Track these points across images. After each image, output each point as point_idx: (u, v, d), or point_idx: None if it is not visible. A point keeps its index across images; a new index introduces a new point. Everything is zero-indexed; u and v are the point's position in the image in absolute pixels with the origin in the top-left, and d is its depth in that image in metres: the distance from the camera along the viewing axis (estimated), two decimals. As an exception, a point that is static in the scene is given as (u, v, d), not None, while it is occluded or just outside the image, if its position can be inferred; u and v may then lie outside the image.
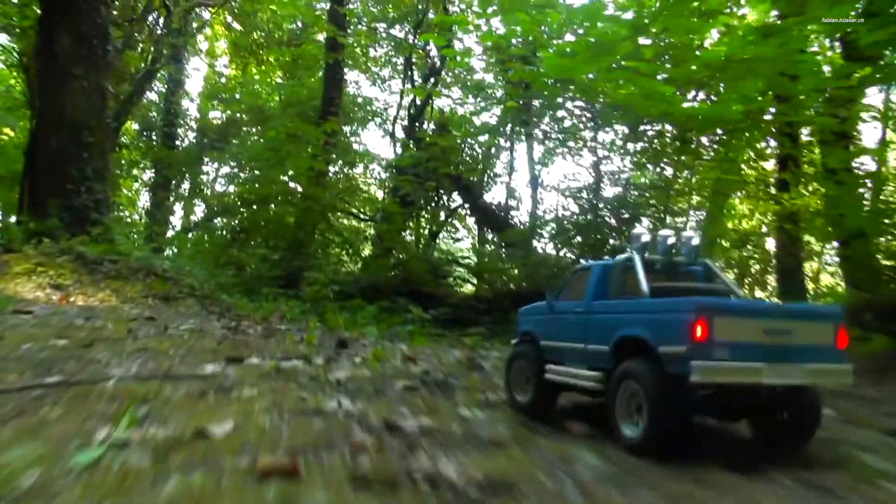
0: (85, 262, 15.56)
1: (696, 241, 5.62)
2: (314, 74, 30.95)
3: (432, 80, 28.94)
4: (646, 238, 5.56)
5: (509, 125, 24.89)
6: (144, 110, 33.58)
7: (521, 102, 21.15)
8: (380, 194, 29.48)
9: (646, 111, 14.75)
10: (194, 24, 32.82)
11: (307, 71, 31.51)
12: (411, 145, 25.33)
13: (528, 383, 6.13)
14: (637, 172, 19.12)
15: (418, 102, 27.32)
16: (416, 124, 28.16)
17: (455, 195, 28.27)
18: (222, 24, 35.04)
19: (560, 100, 19.06)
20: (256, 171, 21.74)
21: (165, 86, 32.41)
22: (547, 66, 13.47)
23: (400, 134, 28.82)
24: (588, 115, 20.16)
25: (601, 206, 20.09)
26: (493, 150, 26.98)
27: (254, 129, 30.47)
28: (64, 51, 19.18)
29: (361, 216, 29.14)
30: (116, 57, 23.06)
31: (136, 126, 33.47)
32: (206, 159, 32.34)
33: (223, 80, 36.07)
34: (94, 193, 18.61)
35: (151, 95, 34.24)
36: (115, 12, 23.16)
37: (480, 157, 27.52)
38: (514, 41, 17.09)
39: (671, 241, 5.57)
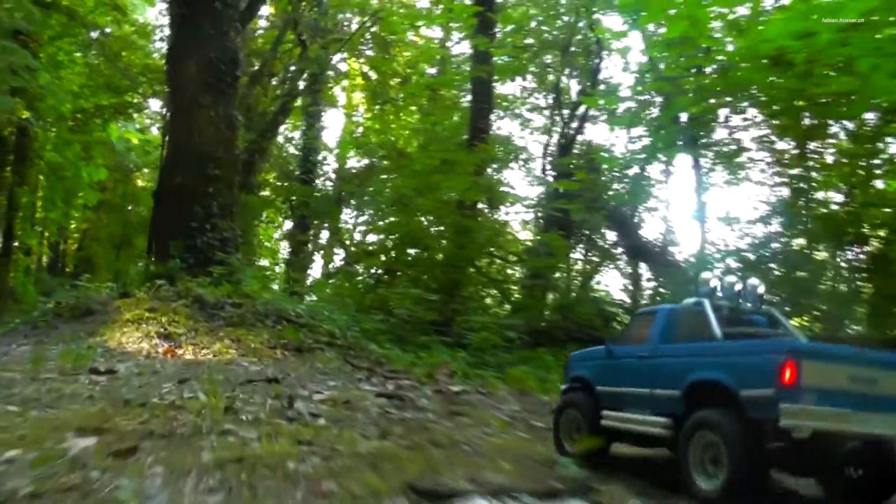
0: (203, 306, 11.70)
1: (761, 289, 5.13)
2: (453, 115, 27.19)
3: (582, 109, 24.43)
4: (714, 283, 5.03)
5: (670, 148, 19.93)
6: (282, 162, 30.60)
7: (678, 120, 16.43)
8: (522, 235, 25.11)
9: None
10: (330, 73, 29.68)
11: (446, 111, 27.69)
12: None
13: (579, 431, 5.39)
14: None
15: (570, 131, 22.72)
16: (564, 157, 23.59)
17: (607, 232, 23.44)
18: (359, 73, 32.04)
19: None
20: (403, 205, 17.49)
21: (302, 131, 29.30)
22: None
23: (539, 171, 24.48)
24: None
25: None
26: (647, 178, 21.93)
27: (393, 175, 26.81)
28: (191, 79, 15.89)
29: (508, 258, 24.57)
30: (249, 89, 19.67)
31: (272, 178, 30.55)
32: (344, 209, 28.91)
33: (360, 129, 32.73)
34: (219, 231, 14.89)
35: (288, 147, 31.54)
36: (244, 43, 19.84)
37: (632, 189, 22.45)
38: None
39: (738, 287, 5.05)
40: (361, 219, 28.55)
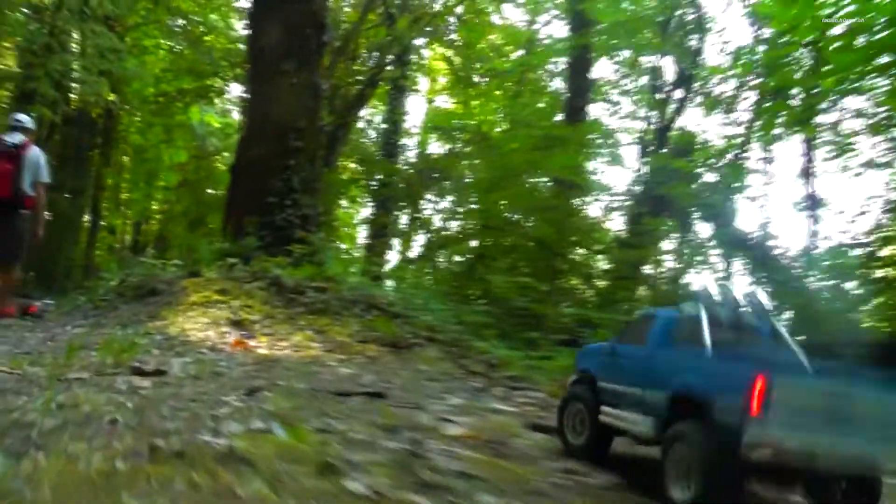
0: (281, 289, 9.48)
1: (763, 299, 4.62)
2: (542, 98, 24.55)
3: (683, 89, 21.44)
4: (713, 290, 4.57)
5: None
6: (363, 145, 28.49)
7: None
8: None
9: None
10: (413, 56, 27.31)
11: (536, 95, 25.06)
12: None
13: (582, 425, 4.95)
14: None
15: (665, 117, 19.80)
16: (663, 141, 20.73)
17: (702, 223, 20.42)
18: (441, 57, 29.64)
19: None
20: (492, 189, 14.94)
21: (385, 112, 27.10)
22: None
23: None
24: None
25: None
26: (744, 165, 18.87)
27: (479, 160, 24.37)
28: (272, 45, 13.66)
29: (595, 247, 21.71)
30: (332, 64, 17.46)
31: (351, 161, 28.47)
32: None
33: (443, 114, 30.33)
34: (300, 208, 12.65)
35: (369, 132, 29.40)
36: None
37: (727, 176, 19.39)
38: None
39: (738, 296, 4.55)
40: (442, 205, 26.37)
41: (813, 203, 18.77)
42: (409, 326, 9.24)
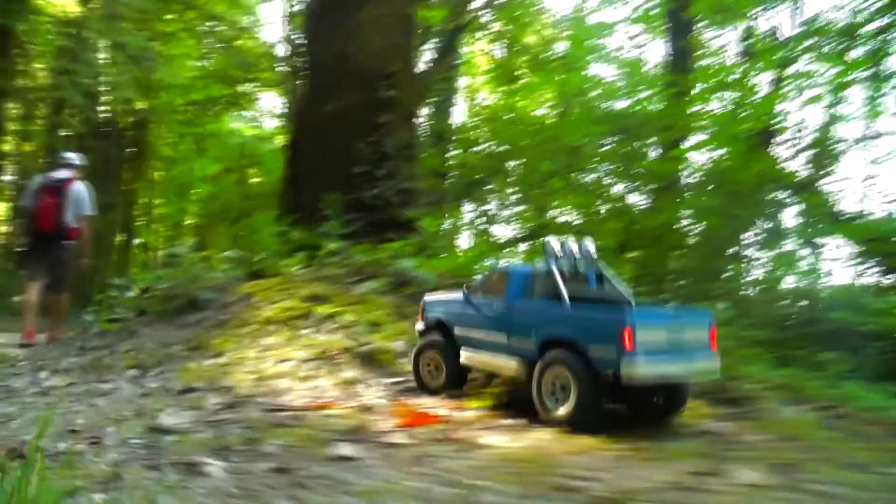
0: (399, 291, 4.74)
1: (591, 249, 4.89)
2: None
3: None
4: (555, 246, 4.77)
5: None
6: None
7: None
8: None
9: None
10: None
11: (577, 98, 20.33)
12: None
13: (437, 370, 4.99)
14: None
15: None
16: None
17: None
18: (483, 52, 25.13)
19: None
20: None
21: (433, 107, 22.43)
22: None
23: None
24: None
25: None
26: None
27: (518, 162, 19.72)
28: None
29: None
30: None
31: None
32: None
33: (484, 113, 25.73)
34: (397, 180, 7.96)
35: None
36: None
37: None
38: None
39: (574, 248, 4.84)
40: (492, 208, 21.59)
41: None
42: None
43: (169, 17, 22.96)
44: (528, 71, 23.37)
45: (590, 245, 4.86)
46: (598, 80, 17.94)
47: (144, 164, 25.50)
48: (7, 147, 23.10)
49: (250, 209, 17.18)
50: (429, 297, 5.29)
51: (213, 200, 24.84)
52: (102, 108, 23.41)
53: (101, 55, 22.37)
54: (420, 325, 5.18)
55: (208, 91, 24.60)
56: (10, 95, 21.47)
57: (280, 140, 25.97)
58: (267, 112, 29.69)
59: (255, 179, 25.68)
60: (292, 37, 11.04)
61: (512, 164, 19.12)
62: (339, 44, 9.00)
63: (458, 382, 4.92)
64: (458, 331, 4.92)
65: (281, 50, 25.22)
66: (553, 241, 4.73)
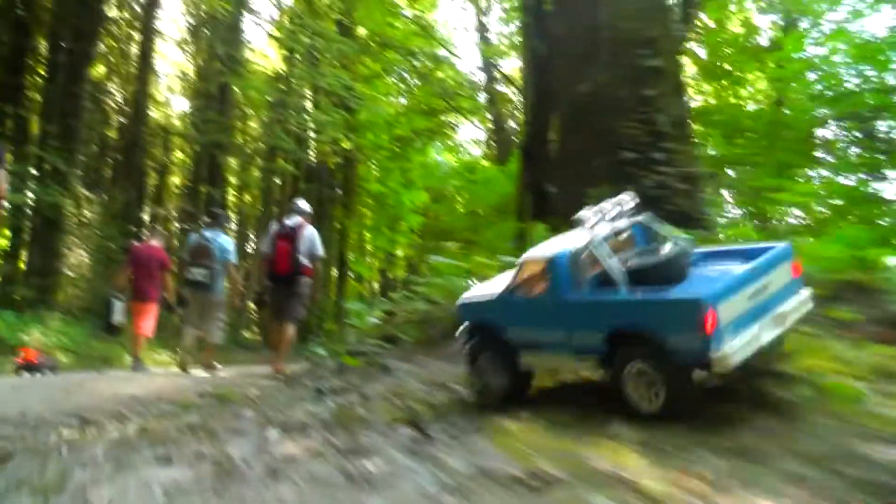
0: None
1: (632, 203, 4.12)
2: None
3: None
4: (590, 217, 3.95)
5: None
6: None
7: None
8: None
9: None
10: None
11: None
12: None
13: (496, 374, 4.31)
14: None
15: None
16: None
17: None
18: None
19: None
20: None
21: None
22: None
23: None
24: None
25: None
26: None
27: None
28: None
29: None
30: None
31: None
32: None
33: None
34: (677, 163, 5.93)
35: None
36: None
37: None
38: None
39: (612, 210, 4.08)
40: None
41: None
42: None
43: (368, 59, 23.94)
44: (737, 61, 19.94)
45: (629, 199, 4.18)
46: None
47: (354, 201, 26.53)
48: (229, 197, 25.22)
49: (477, 227, 16.19)
50: (464, 302, 4.73)
51: (429, 228, 24.59)
52: (312, 151, 24.75)
53: (308, 102, 23.79)
54: (462, 334, 4.56)
55: (412, 124, 24.89)
56: (228, 150, 23.59)
57: (485, 165, 25.49)
58: (470, 139, 29.60)
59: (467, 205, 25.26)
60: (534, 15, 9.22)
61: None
62: (588, 12, 7.34)
63: (519, 390, 4.36)
64: (509, 333, 4.32)
65: (478, 77, 24.87)
66: (586, 213, 4.00)
